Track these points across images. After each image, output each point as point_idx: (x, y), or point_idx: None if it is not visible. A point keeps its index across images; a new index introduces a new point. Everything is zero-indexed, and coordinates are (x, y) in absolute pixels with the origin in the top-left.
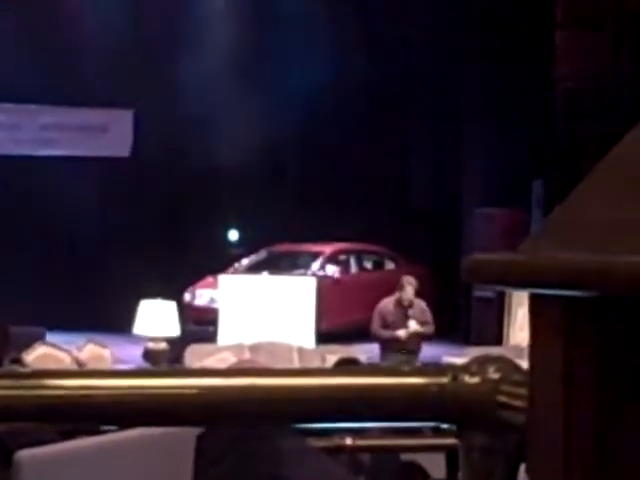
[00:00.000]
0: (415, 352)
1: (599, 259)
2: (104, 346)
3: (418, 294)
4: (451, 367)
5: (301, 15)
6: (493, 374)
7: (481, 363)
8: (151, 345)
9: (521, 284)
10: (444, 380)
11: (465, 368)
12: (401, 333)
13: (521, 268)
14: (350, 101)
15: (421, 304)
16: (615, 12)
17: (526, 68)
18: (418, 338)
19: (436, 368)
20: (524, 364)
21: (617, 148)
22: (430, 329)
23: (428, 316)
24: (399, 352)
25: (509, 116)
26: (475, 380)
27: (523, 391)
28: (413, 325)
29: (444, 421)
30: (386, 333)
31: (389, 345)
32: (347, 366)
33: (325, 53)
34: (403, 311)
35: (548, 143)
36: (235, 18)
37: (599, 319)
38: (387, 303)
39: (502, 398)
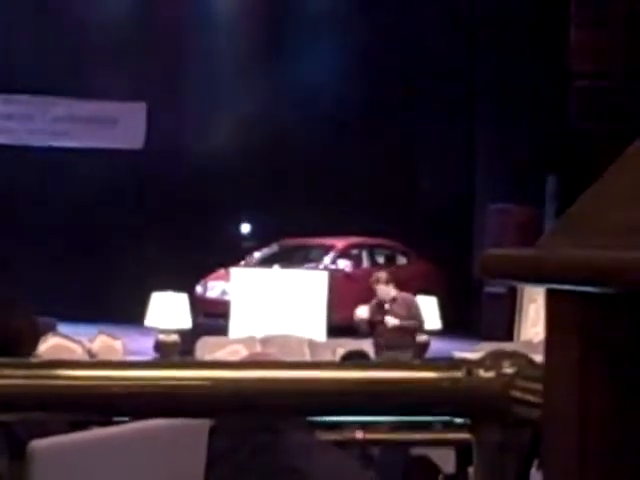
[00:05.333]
0: (402, 347)
1: (615, 256)
2: (115, 338)
3: (429, 290)
4: (465, 361)
5: (306, 12)
6: (508, 369)
7: (495, 358)
8: (162, 337)
9: (538, 280)
10: (458, 374)
11: (479, 362)
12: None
13: (538, 264)
14: (362, 95)
15: (406, 299)
16: (629, 11)
17: (541, 64)
18: (401, 333)
19: (450, 362)
20: (536, 360)
21: (632, 147)
22: (414, 324)
23: (414, 310)
24: (386, 348)
25: (523, 111)
26: (490, 375)
27: (538, 386)
28: (391, 321)
29: (458, 415)
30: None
31: (375, 341)
32: (359, 359)
33: (346, 42)
34: (381, 311)
35: (562, 139)
36: (247, 15)
37: (615, 315)
38: (361, 312)
39: (517, 393)
